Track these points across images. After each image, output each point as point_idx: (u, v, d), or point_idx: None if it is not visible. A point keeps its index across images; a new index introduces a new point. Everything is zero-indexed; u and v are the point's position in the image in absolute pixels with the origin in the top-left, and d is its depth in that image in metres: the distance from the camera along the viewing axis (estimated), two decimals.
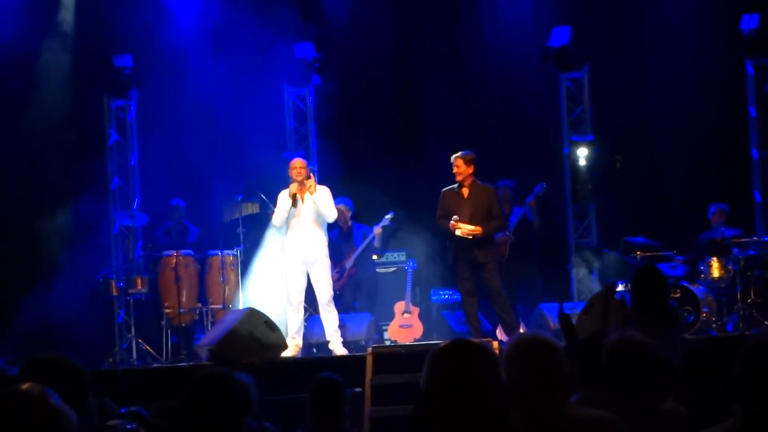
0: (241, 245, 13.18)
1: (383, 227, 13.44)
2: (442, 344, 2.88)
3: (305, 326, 12.07)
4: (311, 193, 11.29)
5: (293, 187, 11.31)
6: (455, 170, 11.39)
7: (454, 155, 11.49)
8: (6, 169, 14.11)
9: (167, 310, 12.85)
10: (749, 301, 12.17)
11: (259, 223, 13.48)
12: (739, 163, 14.34)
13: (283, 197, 11.41)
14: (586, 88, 14.51)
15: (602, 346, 4.65)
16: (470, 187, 11.44)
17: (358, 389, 9.78)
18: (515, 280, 12.62)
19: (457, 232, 11.21)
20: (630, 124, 14.51)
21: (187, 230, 13.76)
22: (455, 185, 11.48)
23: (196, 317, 13.05)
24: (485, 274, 11.35)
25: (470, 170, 11.38)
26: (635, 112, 14.62)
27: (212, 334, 11.24)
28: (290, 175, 11.40)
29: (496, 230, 11.52)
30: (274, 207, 11.79)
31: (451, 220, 11.25)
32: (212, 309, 12.90)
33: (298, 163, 11.46)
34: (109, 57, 14.34)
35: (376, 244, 13.54)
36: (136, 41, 14.43)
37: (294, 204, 11.31)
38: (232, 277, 13.01)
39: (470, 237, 11.19)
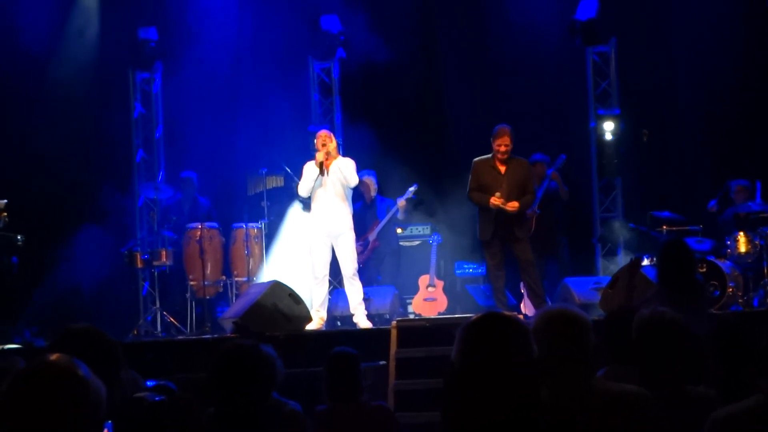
0: (266, 218, 13.18)
1: (407, 200, 13.41)
2: (474, 317, 2.82)
3: (329, 299, 12.07)
4: (334, 158, 11.28)
5: (320, 155, 11.28)
6: (504, 148, 11.08)
7: (501, 131, 11.21)
8: (31, 141, 14.13)
9: (192, 283, 12.89)
10: None
11: (284, 196, 13.47)
12: (766, 138, 14.23)
13: (309, 167, 11.39)
14: (612, 61, 14.41)
15: (631, 321, 4.61)
16: (507, 162, 11.18)
17: (382, 362, 9.78)
18: (542, 255, 12.57)
19: (497, 204, 10.95)
20: (656, 98, 14.42)
21: (197, 203, 13.77)
22: (488, 156, 11.21)
23: (221, 290, 13.08)
24: (521, 247, 11.14)
25: (511, 146, 11.19)
26: (662, 86, 14.53)
27: (237, 306, 11.26)
28: (316, 145, 11.38)
29: (528, 205, 11.32)
30: (299, 180, 11.77)
31: (482, 193, 11.06)
32: (236, 281, 12.93)
33: (323, 133, 11.44)
34: (134, 29, 14.35)
35: (400, 216, 13.52)
36: (161, 14, 14.44)
37: (321, 173, 11.29)
38: (257, 249, 13.03)
39: (510, 212, 11.04)
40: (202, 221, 13.06)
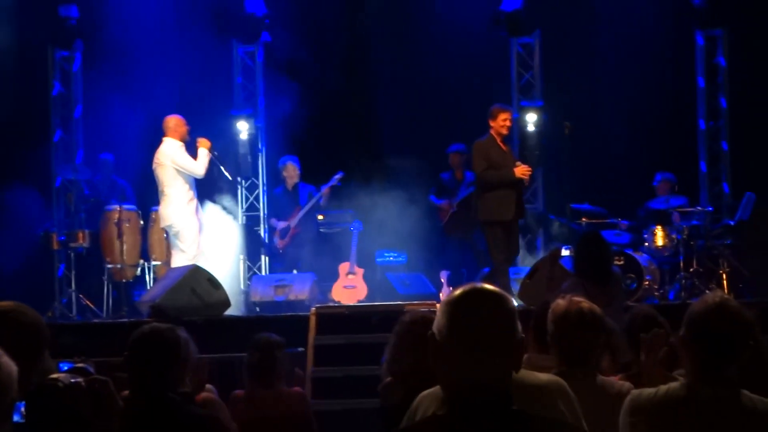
0: None
1: (331, 187, 13.36)
2: (460, 290, 2.73)
3: (248, 284, 12.01)
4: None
5: (207, 142, 11.49)
6: (509, 123, 11.10)
7: (504, 107, 11.17)
8: None
9: (109, 265, 12.70)
10: (691, 270, 12.27)
11: (204, 179, 13.36)
12: (686, 134, 14.44)
13: (206, 152, 11.59)
14: (536, 53, 14.48)
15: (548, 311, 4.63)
16: (505, 143, 11.15)
17: (300, 349, 9.76)
18: (460, 244, 12.64)
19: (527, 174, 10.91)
20: (579, 91, 14.53)
21: (115, 185, 13.60)
22: (486, 138, 11.02)
23: (138, 273, 12.92)
24: (517, 231, 11.25)
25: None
26: (585, 79, 14.65)
27: (154, 290, 11.15)
28: (186, 132, 11.45)
29: None
30: (220, 164, 11.76)
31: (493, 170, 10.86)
32: (154, 265, 12.78)
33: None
34: (54, 6, 14.07)
35: (323, 203, 13.47)
36: None
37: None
38: None
39: (526, 182, 11.07)
40: (120, 203, 12.88)
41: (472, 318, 2.64)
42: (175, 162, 11.44)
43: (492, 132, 10.95)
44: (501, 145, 10.97)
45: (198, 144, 11.60)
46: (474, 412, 2.62)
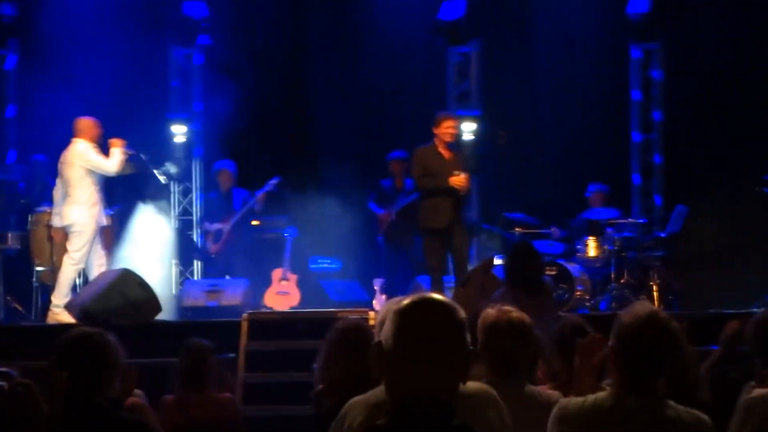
0: (118, 205, 12.93)
1: (267, 193, 13.30)
2: (409, 300, 2.68)
3: (180, 289, 11.90)
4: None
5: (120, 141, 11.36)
6: (453, 131, 10.95)
7: (449, 114, 11.15)
8: None
9: (38, 268, 12.51)
10: (622, 281, 12.39)
11: (139, 183, 13.24)
12: (620, 146, 14.58)
13: (119, 150, 11.38)
14: (474, 63, 14.54)
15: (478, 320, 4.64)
16: (450, 150, 10.95)
17: (231, 355, 9.71)
18: (396, 252, 12.67)
19: (461, 184, 10.73)
20: (516, 101, 14.62)
21: (48, 186, 13.43)
22: (429, 145, 10.96)
23: None
24: (462, 240, 11.00)
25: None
26: (522, 89, 14.75)
27: (84, 293, 11.01)
28: (98, 135, 11.34)
29: None
30: (154, 167, 11.65)
31: (432, 178, 10.80)
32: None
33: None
34: None
35: (258, 209, 13.40)
36: None
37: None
38: (108, 237, 12.75)
39: (462, 191, 10.80)
40: (51, 205, 12.70)
41: (421, 329, 2.60)
42: (88, 160, 11.17)
43: (436, 139, 10.96)
44: (443, 152, 10.92)
45: (110, 144, 11.40)
46: (416, 424, 2.59)
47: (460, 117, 14.26)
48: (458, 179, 10.71)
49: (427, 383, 2.58)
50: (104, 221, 11.57)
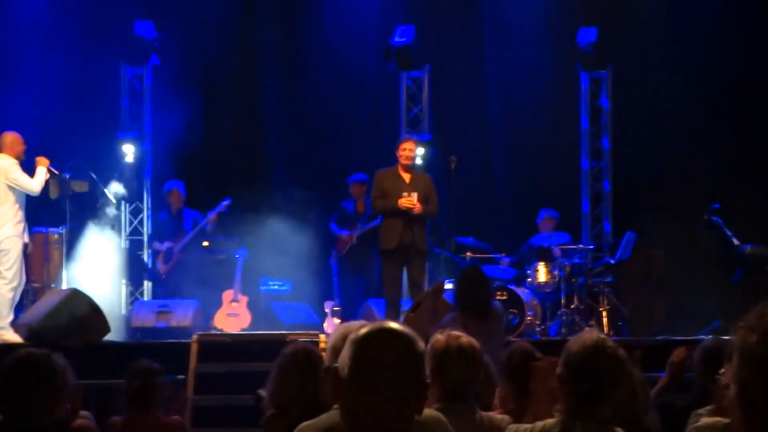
0: (68, 224, 12.83)
1: (219, 213, 13.24)
2: (368, 330, 2.63)
3: (130, 309, 11.81)
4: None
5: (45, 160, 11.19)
6: (409, 153, 11.02)
7: (407, 137, 11.22)
8: None
9: None
10: (572, 306, 12.47)
11: (88, 202, 13.15)
12: (569, 172, 14.69)
13: (44, 170, 11.17)
14: (425, 87, 14.61)
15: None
16: (412, 172, 11.08)
17: (181, 377, 9.66)
18: (351, 274, 12.68)
19: (407, 205, 10.82)
20: (467, 126, 14.72)
21: None
22: (391, 167, 11.09)
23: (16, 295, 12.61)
24: (418, 264, 11.10)
25: (415, 154, 11.11)
26: (473, 114, 14.86)
27: (32, 313, 10.91)
28: (22, 151, 11.07)
29: (429, 216, 11.19)
30: (104, 186, 11.55)
31: (386, 200, 10.91)
32: (33, 287, 12.48)
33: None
34: None
35: (209, 230, 13.33)
36: None
37: None
38: (56, 256, 12.64)
39: (413, 212, 10.84)
40: None
41: (379, 360, 2.56)
42: (10, 178, 10.85)
43: (398, 162, 11.06)
44: (403, 174, 11.02)
45: (37, 163, 11.18)
46: None
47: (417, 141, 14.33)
48: (405, 200, 10.78)
49: (383, 415, 2.55)
50: (26, 239, 11.25)
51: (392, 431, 2.57)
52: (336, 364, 2.63)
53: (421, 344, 2.63)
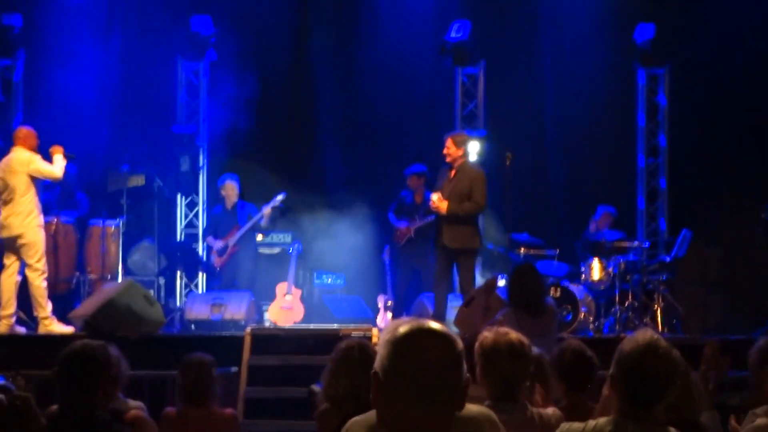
0: (124, 216, 12.97)
1: (273, 207, 13.28)
2: (405, 330, 2.55)
3: (185, 302, 11.90)
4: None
5: (60, 148, 11.17)
6: (445, 150, 10.93)
7: (447, 135, 11.25)
8: None
9: None
10: (627, 304, 12.37)
11: (144, 196, 13.28)
12: (626, 169, 14.60)
13: (61, 156, 11.12)
14: (481, 83, 14.57)
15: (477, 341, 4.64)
16: (458, 169, 10.94)
17: (234, 369, 9.72)
18: (403, 269, 12.64)
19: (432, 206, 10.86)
20: (522, 122, 14.66)
21: (73, 197, 13.41)
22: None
23: (73, 286, 12.76)
24: (463, 261, 10.98)
25: (460, 152, 10.96)
26: (528, 110, 14.79)
27: (88, 304, 11.03)
28: (36, 145, 11.08)
29: (468, 212, 10.88)
30: (160, 181, 11.62)
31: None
32: (90, 279, 12.65)
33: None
34: None
35: (264, 224, 13.36)
36: (26, 1, 14.08)
37: None
38: (113, 248, 12.79)
39: (440, 213, 10.81)
40: (58, 215, 12.74)
41: (417, 362, 2.49)
42: (32, 168, 10.87)
43: None
44: (450, 173, 10.97)
45: (51, 152, 11.22)
46: None
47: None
48: (434, 201, 10.81)
49: (422, 416, 2.49)
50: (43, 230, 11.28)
51: None
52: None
53: (461, 343, 2.56)
